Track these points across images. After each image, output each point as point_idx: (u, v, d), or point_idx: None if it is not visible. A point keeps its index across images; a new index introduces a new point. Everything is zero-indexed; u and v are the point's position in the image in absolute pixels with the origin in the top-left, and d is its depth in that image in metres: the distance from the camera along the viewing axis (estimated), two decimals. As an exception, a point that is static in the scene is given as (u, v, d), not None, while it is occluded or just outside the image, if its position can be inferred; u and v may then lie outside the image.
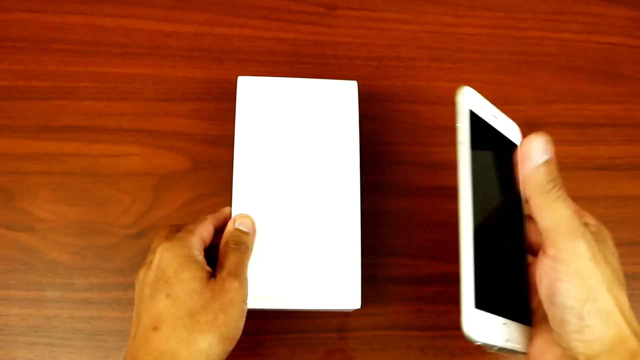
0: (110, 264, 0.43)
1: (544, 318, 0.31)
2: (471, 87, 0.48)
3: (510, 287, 0.33)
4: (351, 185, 0.40)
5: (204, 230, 0.37)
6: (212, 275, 0.35)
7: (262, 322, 0.42)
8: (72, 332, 0.42)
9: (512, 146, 0.35)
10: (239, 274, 0.35)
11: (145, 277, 0.35)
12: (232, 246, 0.36)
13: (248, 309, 0.37)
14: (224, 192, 0.45)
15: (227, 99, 0.47)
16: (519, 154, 0.33)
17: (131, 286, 0.43)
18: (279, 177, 0.40)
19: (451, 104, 0.48)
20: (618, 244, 0.44)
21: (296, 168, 0.40)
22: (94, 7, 0.49)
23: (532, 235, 0.34)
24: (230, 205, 0.39)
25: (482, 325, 0.29)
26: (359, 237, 0.39)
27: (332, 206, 0.39)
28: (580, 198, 0.45)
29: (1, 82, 0.47)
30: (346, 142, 0.40)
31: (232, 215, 0.39)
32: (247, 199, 0.39)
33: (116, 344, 0.42)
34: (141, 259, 0.43)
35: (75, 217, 0.44)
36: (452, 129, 0.47)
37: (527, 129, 0.47)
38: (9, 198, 0.44)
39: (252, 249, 0.38)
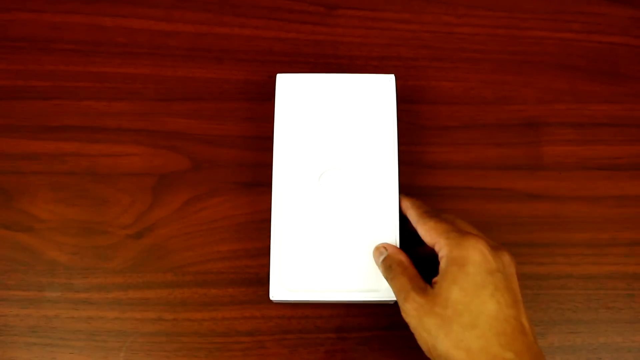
0: (110, 264, 0.43)
1: None
2: (471, 87, 0.48)
3: None
4: (389, 178, 0.40)
5: None
6: None
7: (262, 323, 0.42)
8: (72, 333, 0.42)
9: None
10: None
11: None
12: None
13: (286, 301, 0.39)
14: (224, 192, 0.45)
15: (227, 98, 0.47)
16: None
17: (130, 286, 0.43)
18: (318, 173, 0.41)
19: (451, 104, 0.48)
20: (619, 244, 0.45)
21: (335, 163, 0.41)
22: (93, 7, 0.49)
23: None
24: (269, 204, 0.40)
25: None
26: (398, 229, 0.39)
27: (370, 199, 0.40)
28: (581, 198, 0.46)
29: (0, 81, 0.47)
30: (384, 135, 0.41)
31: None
32: (286, 195, 0.40)
33: (116, 344, 0.42)
34: (141, 259, 0.43)
35: (75, 217, 0.44)
36: (452, 129, 0.47)
37: (527, 129, 0.47)
38: (8, 198, 0.44)
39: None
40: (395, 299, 0.37)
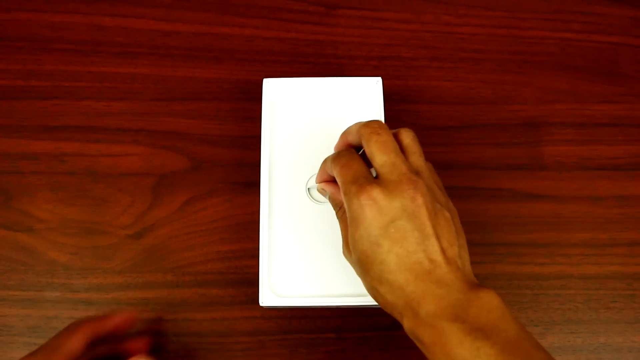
0: (109, 265, 0.43)
1: None
2: (471, 87, 0.48)
3: None
4: None
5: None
6: None
7: (262, 322, 0.42)
8: (72, 333, 0.42)
9: None
10: None
11: None
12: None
13: (275, 307, 0.38)
14: (223, 192, 0.45)
15: (227, 98, 0.47)
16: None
17: (130, 286, 0.43)
18: (306, 177, 0.40)
19: (451, 104, 0.48)
20: (619, 244, 0.45)
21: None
22: (93, 7, 0.49)
23: None
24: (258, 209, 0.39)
25: None
26: None
27: None
28: (581, 198, 0.45)
29: (0, 81, 0.47)
30: None
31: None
32: (274, 200, 0.40)
33: (115, 344, 0.42)
34: (141, 259, 0.43)
35: (75, 217, 0.44)
36: (452, 129, 0.47)
37: (527, 129, 0.47)
38: (7, 198, 0.44)
39: None
40: None
